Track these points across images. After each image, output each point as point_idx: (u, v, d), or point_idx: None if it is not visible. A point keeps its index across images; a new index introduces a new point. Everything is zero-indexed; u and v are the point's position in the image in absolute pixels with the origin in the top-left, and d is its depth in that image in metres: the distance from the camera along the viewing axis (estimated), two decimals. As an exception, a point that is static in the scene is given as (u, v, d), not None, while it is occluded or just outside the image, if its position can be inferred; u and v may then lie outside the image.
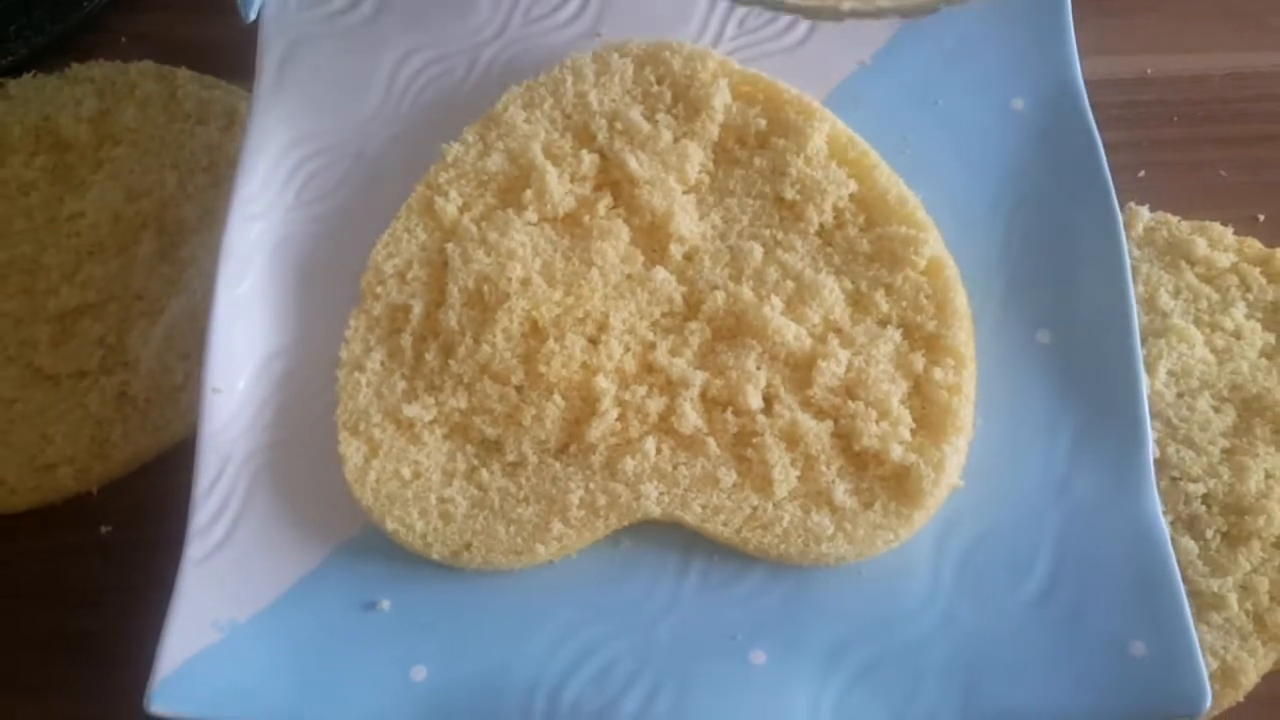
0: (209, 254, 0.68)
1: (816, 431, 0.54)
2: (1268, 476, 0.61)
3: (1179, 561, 0.58)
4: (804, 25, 0.65)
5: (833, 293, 0.57)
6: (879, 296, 0.57)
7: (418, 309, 0.58)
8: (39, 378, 0.66)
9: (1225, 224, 0.70)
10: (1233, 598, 0.59)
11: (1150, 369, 0.64)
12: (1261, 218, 0.71)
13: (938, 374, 0.55)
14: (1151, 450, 0.54)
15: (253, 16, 0.65)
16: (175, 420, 0.65)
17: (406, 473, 0.55)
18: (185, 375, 0.66)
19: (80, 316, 0.68)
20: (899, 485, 0.53)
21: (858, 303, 0.57)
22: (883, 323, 0.57)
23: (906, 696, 0.50)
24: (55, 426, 0.65)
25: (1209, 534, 0.60)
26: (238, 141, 0.71)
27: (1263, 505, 0.60)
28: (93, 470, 0.64)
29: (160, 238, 0.70)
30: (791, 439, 0.54)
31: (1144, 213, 0.70)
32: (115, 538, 0.64)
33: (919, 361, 0.55)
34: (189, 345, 0.66)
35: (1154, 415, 0.62)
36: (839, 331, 0.56)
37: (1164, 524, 0.53)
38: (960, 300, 0.57)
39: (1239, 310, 0.67)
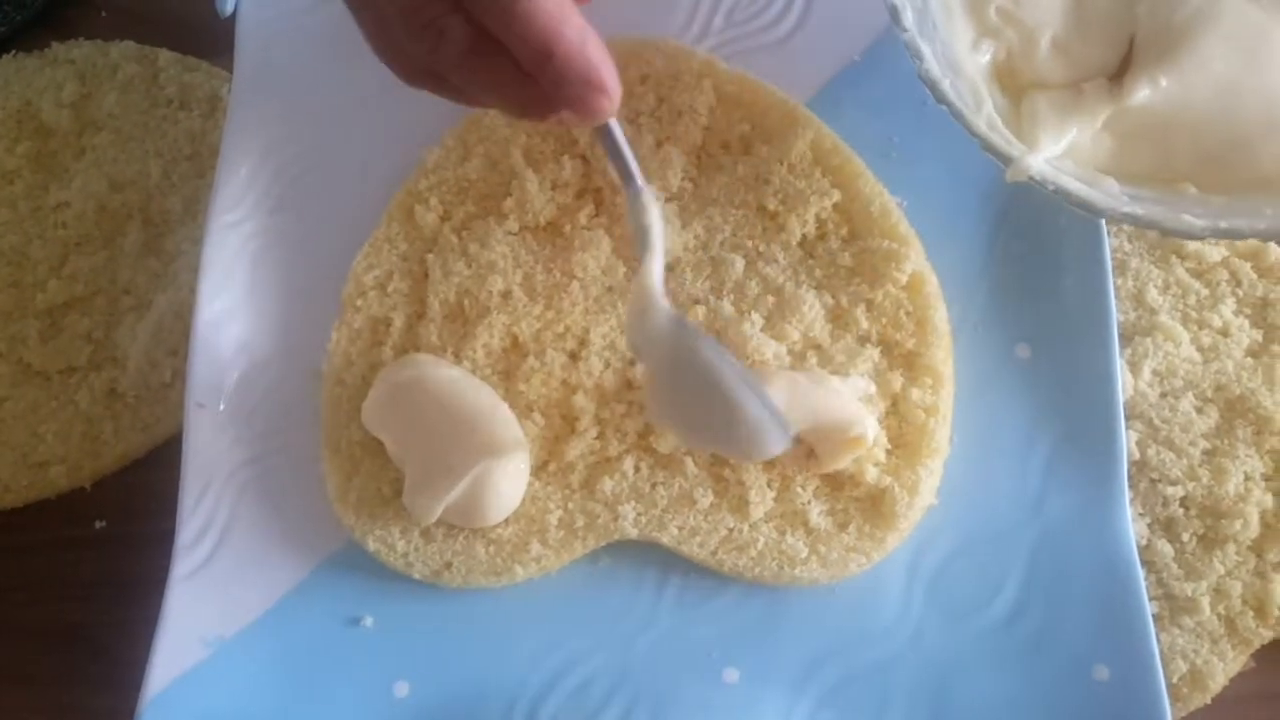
0: (194, 247, 0.68)
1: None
2: (1246, 479, 0.61)
3: (1154, 565, 0.59)
4: (793, 18, 0.63)
5: (813, 308, 0.57)
6: (859, 312, 0.57)
7: (399, 322, 0.58)
8: (29, 374, 0.67)
9: (1219, 214, 0.69)
10: (1205, 601, 0.59)
11: (1135, 368, 0.64)
12: (1257, 207, 0.70)
13: (915, 394, 0.55)
14: (1126, 471, 0.55)
15: (230, 10, 0.64)
16: (165, 417, 0.66)
17: (387, 490, 0.55)
18: (173, 372, 0.66)
19: (68, 311, 0.68)
20: (873, 507, 0.54)
21: (838, 319, 0.57)
22: (862, 340, 0.57)
23: (875, 715, 0.52)
24: (47, 425, 0.66)
25: (1185, 537, 0.61)
26: (220, 129, 0.71)
27: (1240, 509, 0.60)
28: (84, 468, 0.66)
29: (145, 229, 0.70)
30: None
31: (1136, 205, 0.69)
32: (108, 532, 0.66)
33: (897, 380, 0.55)
34: (176, 341, 0.67)
35: (1137, 416, 0.63)
36: (818, 348, 0.56)
37: (1135, 548, 0.54)
38: (940, 317, 0.56)
39: (1228, 306, 0.66)
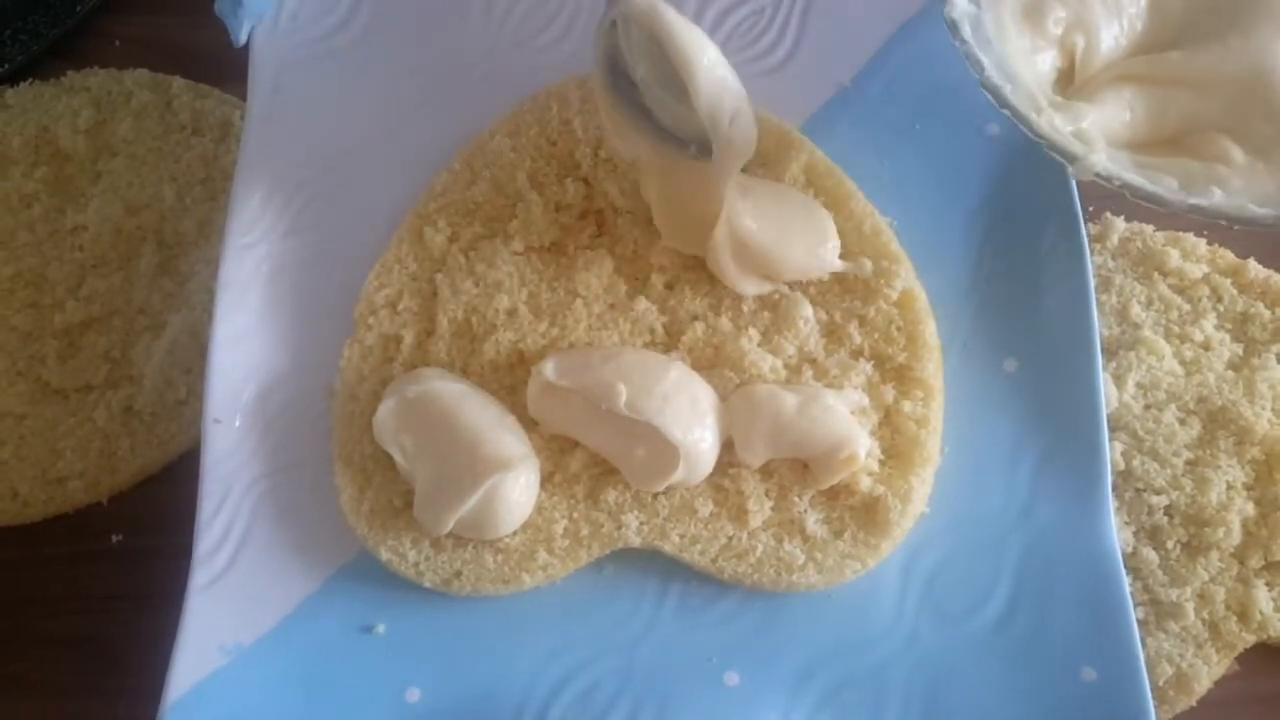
0: (208, 268, 0.70)
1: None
2: (1228, 488, 0.63)
3: (1140, 572, 0.61)
4: (786, 47, 0.66)
5: (807, 324, 0.59)
6: (852, 328, 0.59)
7: (409, 339, 0.60)
8: (48, 392, 0.69)
9: (1200, 232, 0.71)
10: (1190, 607, 0.61)
11: (1120, 382, 0.66)
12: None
13: (907, 406, 0.57)
14: (1110, 480, 0.57)
15: (243, 40, 0.66)
16: (180, 434, 0.68)
17: (399, 502, 0.57)
18: (188, 390, 0.68)
19: (86, 331, 0.70)
20: (868, 515, 0.56)
21: (831, 334, 0.59)
22: (855, 355, 0.59)
23: (871, 716, 0.54)
24: (65, 441, 0.68)
25: (1170, 545, 0.63)
26: (233, 154, 0.73)
27: (1222, 517, 0.62)
28: (101, 483, 0.67)
29: (160, 251, 0.72)
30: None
31: (1119, 223, 0.71)
32: (125, 546, 0.67)
33: (889, 393, 0.58)
34: (191, 360, 0.68)
35: (1122, 428, 0.65)
36: (813, 363, 0.58)
37: (1119, 553, 0.56)
38: (930, 332, 0.59)
39: (1209, 321, 0.68)
